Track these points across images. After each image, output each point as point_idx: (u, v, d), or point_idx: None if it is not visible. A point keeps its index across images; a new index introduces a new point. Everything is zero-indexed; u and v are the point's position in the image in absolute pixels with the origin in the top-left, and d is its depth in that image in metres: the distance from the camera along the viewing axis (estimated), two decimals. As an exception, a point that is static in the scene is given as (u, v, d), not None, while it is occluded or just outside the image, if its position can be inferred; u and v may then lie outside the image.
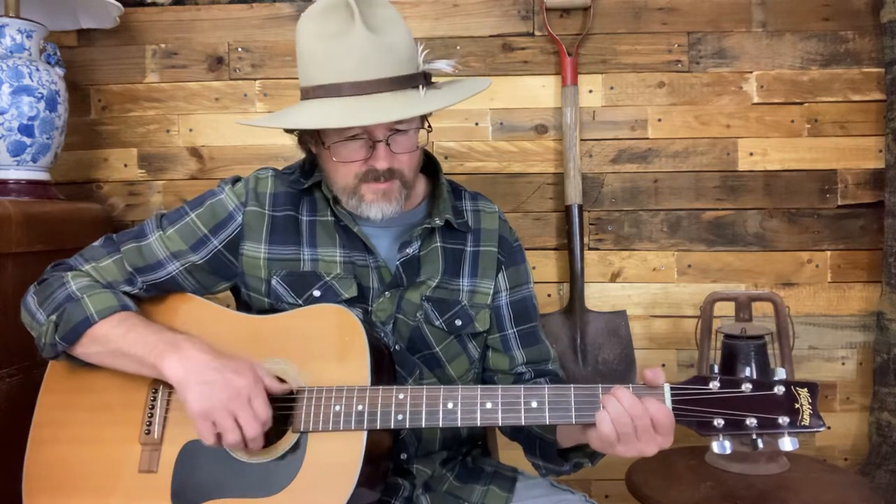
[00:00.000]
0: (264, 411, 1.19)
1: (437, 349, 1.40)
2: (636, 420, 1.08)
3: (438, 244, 1.42)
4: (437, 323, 1.39)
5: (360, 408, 1.19)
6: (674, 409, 1.10)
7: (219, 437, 1.19)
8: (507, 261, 1.47)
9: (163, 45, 2.25)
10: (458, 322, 1.40)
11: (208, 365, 1.20)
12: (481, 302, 1.43)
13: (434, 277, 1.41)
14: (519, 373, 1.45)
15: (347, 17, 1.24)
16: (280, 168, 1.46)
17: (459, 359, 1.43)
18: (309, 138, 1.37)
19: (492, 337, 1.46)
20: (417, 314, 1.38)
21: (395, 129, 1.29)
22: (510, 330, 1.46)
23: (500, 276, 1.46)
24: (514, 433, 1.43)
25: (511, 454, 1.55)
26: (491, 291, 1.44)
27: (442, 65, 1.32)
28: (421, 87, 1.28)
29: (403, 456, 1.37)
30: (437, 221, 1.39)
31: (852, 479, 1.82)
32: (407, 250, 1.38)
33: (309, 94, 1.28)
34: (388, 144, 1.28)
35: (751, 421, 1.07)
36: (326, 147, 1.30)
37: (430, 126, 1.35)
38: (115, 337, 1.26)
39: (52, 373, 1.39)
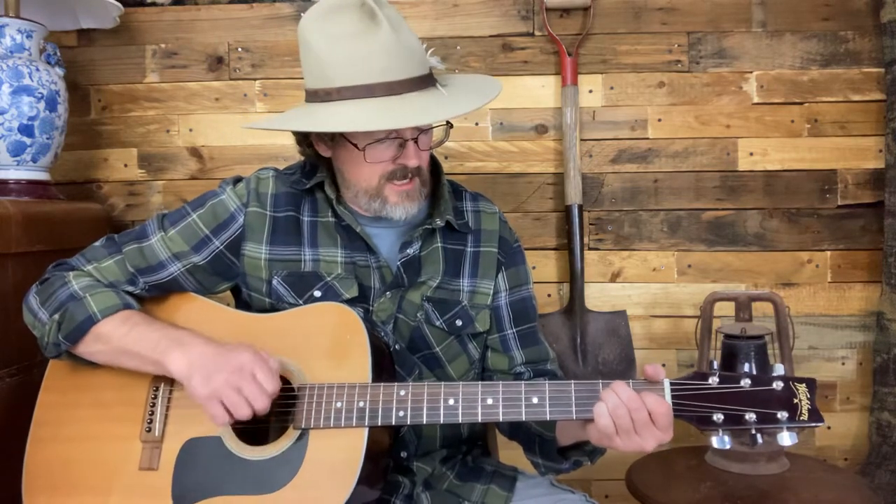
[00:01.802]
0: (270, 382, 1.19)
1: (438, 349, 1.40)
2: (634, 413, 1.09)
3: (439, 245, 1.43)
4: (437, 323, 1.39)
5: (361, 404, 1.20)
6: (673, 404, 1.10)
7: (230, 413, 1.19)
8: (507, 262, 1.47)
9: (163, 45, 2.25)
10: (459, 322, 1.41)
11: (210, 355, 1.21)
12: (481, 302, 1.43)
13: (435, 278, 1.41)
14: (518, 373, 1.46)
15: (365, 16, 1.24)
16: (280, 168, 1.46)
17: (459, 359, 1.43)
18: (326, 141, 1.36)
19: (491, 337, 1.46)
20: (418, 314, 1.38)
21: (421, 128, 1.30)
22: (509, 330, 1.46)
23: (499, 276, 1.46)
24: (514, 431, 1.43)
25: (511, 454, 1.55)
26: (491, 292, 1.45)
27: (434, 62, 1.34)
28: (439, 85, 1.30)
29: (403, 454, 1.37)
30: (438, 222, 1.40)
31: (852, 479, 1.82)
32: (408, 250, 1.39)
33: (333, 95, 1.27)
34: (415, 142, 1.30)
35: (750, 416, 1.07)
36: (361, 148, 1.29)
37: (451, 124, 1.36)
38: (118, 335, 1.27)
39: (52, 371, 1.39)
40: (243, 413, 1.18)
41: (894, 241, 2.06)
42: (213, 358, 1.20)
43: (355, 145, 1.30)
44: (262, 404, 1.18)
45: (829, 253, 2.19)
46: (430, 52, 1.33)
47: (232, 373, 1.18)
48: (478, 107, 1.32)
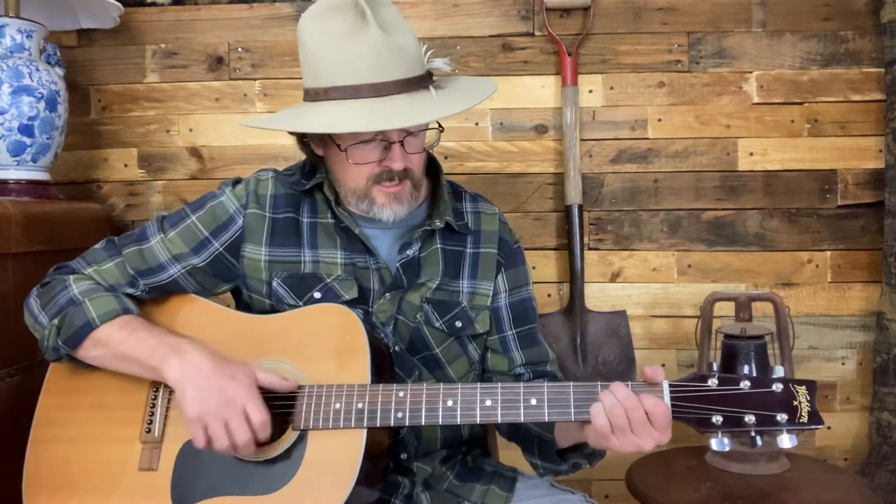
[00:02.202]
0: (259, 416, 1.19)
1: (437, 351, 1.40)
2: (630, 412, 1.09)
3: (439, 246, 1.43)
4: (437, 324, 1.39)
5: (360, 405, 1.20)
6: (672, 405, 1.10)
7: (210, 441, 1.19)
8: (507, 263, 1.47)
9: (163, 45, 2.25)
10: (459, 324, 1.40)
11: (205, 370, 1.20)
12: (481, 303, 1.43)
13: (434, 279, 1.41)
14: (518, 374, 1.46)
15: (357, 17, 1.23)
16: (280, 169, 1.46)
17: (459, 360, 1.43)
18: (317, 140, 1.37)
19: (491, 338, 1.46)
20: (417, 316, 1.38)
21: (408, 130, 1.29)
22: (509, 331, 1.46)
23: (499, 277, 1.46)
24: (513, 433, 1.43)
25: (511, 454, 1.55)
26: (490, 293, 1.44)
27: (440, 63, 1.33)
28: (431, 87, 1.29)
29: (403, 456, 1.37)
30: (438, 223, 1.39)
31: (852, 479, 1.82)
32: (407, 252, 1.38)
33: (321, 95, 1.27)
34: (402, 145, 1.29)
35: (749, 418, 1.07)
36: (343, 149, 1.29)
37: (441, 126, 1.35)
38: (117, 341, 1.27)
39: (52, 373, 1.39)
40: (222, 445, 1.18)
41: (894, 241, 2.06)
42: (208, 379, 1.20)
43: (338, 146, 1.30)
44: (243, 440, 1.18)
45: (829, 253, 2.19)
46: (429, 52, 1.32)
47: (223, 404, 1.18)
48: (460, 110, 1.29)
